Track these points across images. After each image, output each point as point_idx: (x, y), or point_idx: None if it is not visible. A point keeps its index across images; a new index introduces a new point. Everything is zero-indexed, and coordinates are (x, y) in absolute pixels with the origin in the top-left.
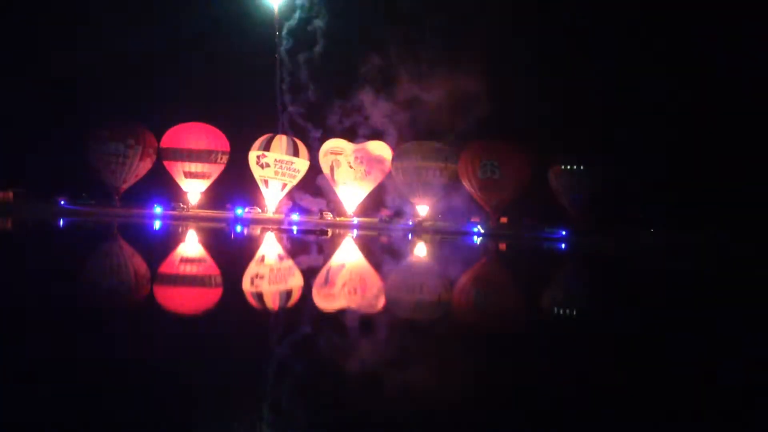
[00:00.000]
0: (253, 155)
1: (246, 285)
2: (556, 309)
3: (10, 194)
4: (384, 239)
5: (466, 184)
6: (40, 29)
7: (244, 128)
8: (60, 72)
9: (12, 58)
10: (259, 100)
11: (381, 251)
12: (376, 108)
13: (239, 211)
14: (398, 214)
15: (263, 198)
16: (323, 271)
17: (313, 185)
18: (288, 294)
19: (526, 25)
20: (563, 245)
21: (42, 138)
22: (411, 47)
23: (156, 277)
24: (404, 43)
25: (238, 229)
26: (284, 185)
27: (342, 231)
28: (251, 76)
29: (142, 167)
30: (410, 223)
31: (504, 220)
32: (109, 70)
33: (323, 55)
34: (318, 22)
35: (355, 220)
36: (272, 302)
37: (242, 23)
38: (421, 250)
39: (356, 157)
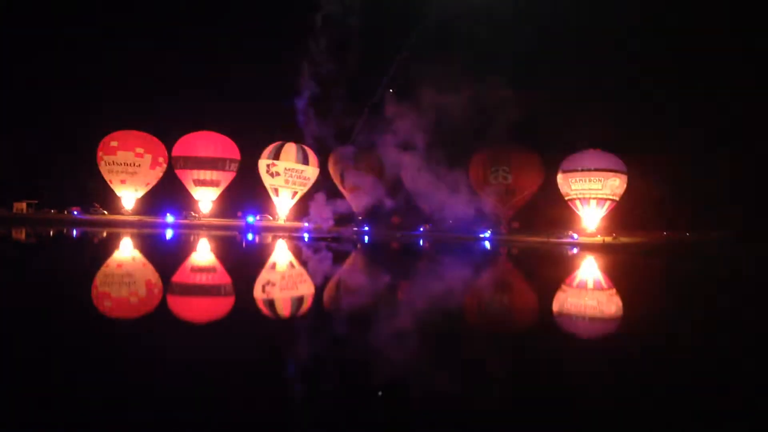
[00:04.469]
0: (263, 164)
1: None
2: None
3: (24, 205)
4: (396, 245)
5: (477, 189)
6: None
7: (254, 136)
8: (70, 81)
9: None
10: (269, 108)
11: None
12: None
13: (250, 219)
14: (410, 220)
15: (274, 206)
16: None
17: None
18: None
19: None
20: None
21: (53, 149)
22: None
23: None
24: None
25: (250, 236)
26: (295, 193)
27: (354, 237)
28: (262, 83)
29: (153, 176)
30: (421, 229)
31: (516, 225)
32: (118, 78)
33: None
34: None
35: (366, 227)
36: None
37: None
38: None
39: (366, 164)
